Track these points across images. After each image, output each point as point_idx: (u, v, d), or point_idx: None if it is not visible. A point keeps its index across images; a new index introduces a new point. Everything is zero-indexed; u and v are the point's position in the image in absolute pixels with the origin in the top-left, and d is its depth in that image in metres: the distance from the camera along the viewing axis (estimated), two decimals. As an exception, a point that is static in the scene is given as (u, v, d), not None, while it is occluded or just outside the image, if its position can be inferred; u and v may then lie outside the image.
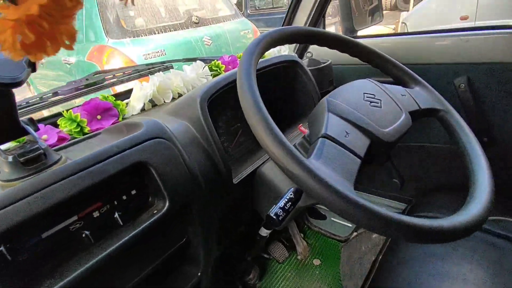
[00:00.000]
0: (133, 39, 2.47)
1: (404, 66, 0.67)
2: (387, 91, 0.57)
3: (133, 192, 0.44)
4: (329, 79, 0.90)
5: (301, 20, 0.97)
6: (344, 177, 0.39)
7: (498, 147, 0.84)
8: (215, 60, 0.86)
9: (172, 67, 0.84)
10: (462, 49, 0.78)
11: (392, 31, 6.85)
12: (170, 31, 2.68)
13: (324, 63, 0.90)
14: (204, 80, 0.82)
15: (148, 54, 2.48)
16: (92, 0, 2.50)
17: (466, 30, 0.79)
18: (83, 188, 0.39)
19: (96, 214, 0.41)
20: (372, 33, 1.02)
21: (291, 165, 0.36)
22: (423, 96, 0.62)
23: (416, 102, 0.60)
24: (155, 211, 0.44)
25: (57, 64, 2.96)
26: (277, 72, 0.80)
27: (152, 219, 0.43)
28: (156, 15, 2.68)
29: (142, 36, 2.53)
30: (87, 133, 0.60)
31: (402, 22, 3.46)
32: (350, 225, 1.29)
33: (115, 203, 0.42)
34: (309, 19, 0.96)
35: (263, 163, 0.68)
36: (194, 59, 1.00)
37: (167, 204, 0.44)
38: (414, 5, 6.87)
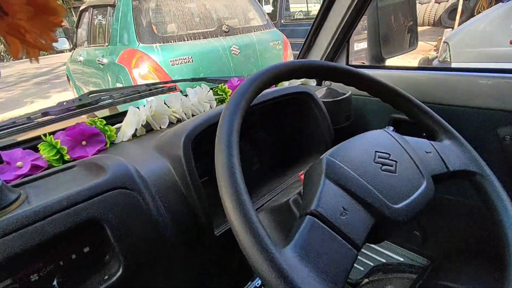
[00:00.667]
0: (162, 45, 2.51)
1: (434, 113, 0.56)
2: (407, 147, 0.46)
3: (86, 249, 0.38)
4: (346, 113, 0.81)
5: (322, 45, 0.88)
6: (330, 281, 0.30)
7: None
8: (222, 84, 0.80)
9: (175, 89, 0.79)
10: (507, 93, 0.65)
11: (433, 48, 6.49)
12: (200, 38, 2.69)
13: (343, 94, 0.81)
14: (207, 105, 0.76)
15: (175, 60, 2.50)
16: (128, 4, 2.58)
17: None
18: (23, 248, 0.33)
19: (34, 277, 0.35)
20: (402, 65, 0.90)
21: (256, 257, 0.28)
22: (454, 153, 0.51)
23: (444, 162, 0.49)
24: (107, 277, 0.38)
25: (93, 63, 3.09)
26: (288, 103, 0.73)
27: (102, 287, 0.37)
28: (187, 23, 2.70)
29: (171, 42, 2.56)
30: (68, 161, 0.56)
31: (444, 42, 3.22)
32: (363, 269, 1.16)
33: (61, 263, 0.36)
34: (331, 44, 0.87)
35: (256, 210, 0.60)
36: (203, 79, 0.94)
37: (121, 269, 0.38)
38: (460, 23, 6.47)
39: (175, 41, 2.57)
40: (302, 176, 0.55)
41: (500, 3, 3.13)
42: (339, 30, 0.84)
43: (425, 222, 0.90)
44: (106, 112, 0.68)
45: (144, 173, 0.47)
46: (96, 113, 0.66)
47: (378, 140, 0.46)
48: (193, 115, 0.76)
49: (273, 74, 0.44)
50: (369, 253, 1.13)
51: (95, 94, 0.67)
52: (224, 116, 0.38)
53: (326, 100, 0.77)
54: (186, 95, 0.76)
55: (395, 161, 0.43)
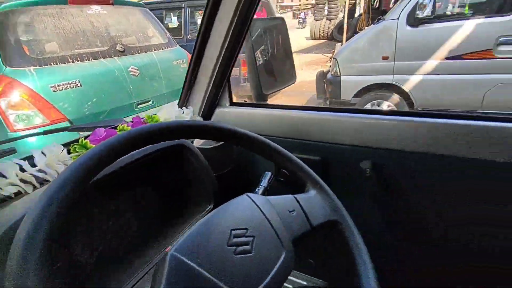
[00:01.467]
0: (39, 68, 2.14)
1: (300, 162, 0.56)
2: (269, 213, 0.44)
3: None
4: (229, 157, 0.78)
5: (202, 86, 0.84)
6: None
7: (408, 238, 0.79)
8: (82, 138, 0.67)
9: (15, 151, 0.63)
10: (369, 131, 0.72)
11: (329, 59, 7.37)
12: (89, 59, 2.39)
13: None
14: (61, 167, 0.63)
15: (58, 85, 2.16)
16: (-11, 21, 2.13)
17: (374, 113, 0.73)
18: None
19: None
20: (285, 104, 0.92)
21: None
22: (318, 204, 0.52)
23: (308, 219, 0.48)
24: None
25: None
26: (163, 157, 0.65)
27: None
28: (71, 41, 2.37)
29: (51, 64, 2.20)
30: None
31: (334, 58, 3.65)
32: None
33: None
34: (211, 85, 0.84)
35: None
36: (64, 129, 0.79)
37: None
38: (347, 37, 7.54)
39: (57, 63, 2.22)
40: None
41: (372, 25, 3.74)
42: (217, 69, 0.81)
43: (319, 246, 0.94)
44: None
45: None
46: None
47: (237, 213, 0.43)
48: (44, 182, 0.62)
49: (114, 149, 0.37)
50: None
51: None
52: (22, 229, 0.28)
53: (205, 147, 0.72)
54: (31, 157, 0.61)
55: (252, 236, 0.40)
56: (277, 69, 0.96)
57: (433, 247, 0.76)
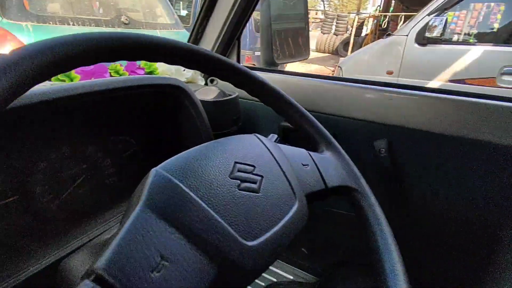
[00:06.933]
0: (36, 24, 2.03)
1: (316, 122, 0.48)
2: (280, 158, 0.37)
3: None
4: (233, 116, 0.70)
5: (210, 40, 0.77)
6: None
7: (420, 223, 0.73)
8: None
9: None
10: (385, 107, 0.66)
11: (331, 73, 7.38)
12: (90, 25, 2.29)
13: (229, 95, 0.70)
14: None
15: (53, 45, 2.05)
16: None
17: (392, 87, 0.67)
18: None
19: None
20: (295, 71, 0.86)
21: None
22: (333, 166, 0.44)
23: (322, 178, 0.41)
24: None
25: None
26: (154, 98, 0.57)
27: None
28: (75, 4, 2.27)
29: (50, 23, 2.09)
30: None
31: (338, 66, 3.63)
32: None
33: None
34: (220, 39, 0.76)
35: (80, 248, 0.42)
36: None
37: None
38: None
39: (56, 23, 2.12)
40: None
41: (381, 39, 3.74)
42: (228, 23, 0.74)
43: (312, 236, 0.87)
44: None
45: None
46: None
47: (243, 147, 0.35)
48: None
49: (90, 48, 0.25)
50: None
51: None
52: None
53: (207, 99, 0.64)
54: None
55: (260, 176, 0.33)
56: (292, 40, 0.89)
57: (452, 235, 0.69)
